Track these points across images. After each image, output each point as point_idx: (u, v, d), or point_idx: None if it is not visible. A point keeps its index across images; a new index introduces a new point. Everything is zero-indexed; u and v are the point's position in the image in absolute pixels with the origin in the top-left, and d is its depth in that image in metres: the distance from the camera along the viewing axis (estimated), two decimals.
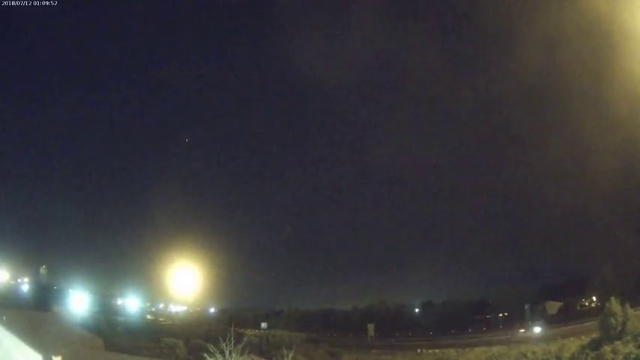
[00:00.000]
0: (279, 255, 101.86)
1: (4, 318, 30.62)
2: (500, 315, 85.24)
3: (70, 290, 70.61)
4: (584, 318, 62.39)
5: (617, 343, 36.87)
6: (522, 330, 71.80)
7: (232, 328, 29.45)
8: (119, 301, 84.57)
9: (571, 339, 48.38)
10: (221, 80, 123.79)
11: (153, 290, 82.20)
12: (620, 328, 38.79)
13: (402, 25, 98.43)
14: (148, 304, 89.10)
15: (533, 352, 45.27)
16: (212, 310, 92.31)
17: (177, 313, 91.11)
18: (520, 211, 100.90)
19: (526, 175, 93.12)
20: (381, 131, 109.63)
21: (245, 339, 30.51)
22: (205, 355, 28.51)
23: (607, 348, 36.28)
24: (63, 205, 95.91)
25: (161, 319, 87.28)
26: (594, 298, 74.72)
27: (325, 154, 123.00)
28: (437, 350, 63.06)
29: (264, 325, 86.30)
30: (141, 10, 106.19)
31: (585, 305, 76.54)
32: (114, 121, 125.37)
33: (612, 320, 39.35)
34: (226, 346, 27.34)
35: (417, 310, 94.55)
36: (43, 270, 78.04)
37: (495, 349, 52.08)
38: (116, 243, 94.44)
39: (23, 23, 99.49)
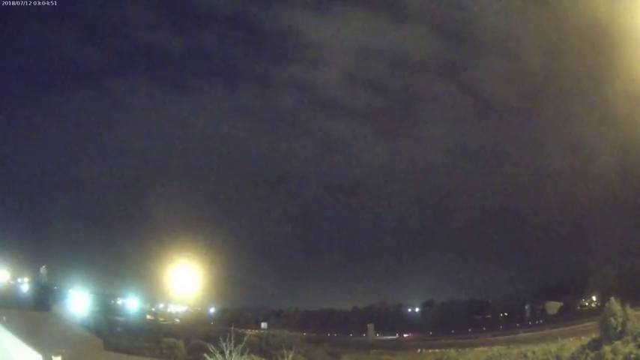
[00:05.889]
0: (279, 255, 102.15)
1: (4, 318, 30.54)
2: (501, 315, 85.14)
3: (70, 290, 70.41)
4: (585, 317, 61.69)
5: (617, 343, 36.75)
6: None
7: (232, 328, 29.33)
8: (119, 301, 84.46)
9: (571, 339, 48.24)
10: (221, 80, 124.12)
11: (153, 290, 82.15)
12: (620, 328, 38.66)
13: (400, 26, 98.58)
14: (148, 305, 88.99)
15: (534, 352, 45.13)
16: (212, 310, 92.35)
17: (177, 313, 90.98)
18: (520, 211, 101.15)
19: (526, 175, 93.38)
20: (381, 131, 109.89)
21: (245, 339, 30.36)
22: (205, 355, 28.43)
23: (607, 348, 36.15)
24: (63, 206, 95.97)
25: (161, 319, 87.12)
26: (594, 298, 74.64)
27: (325, 154, 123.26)
28: (437, 350, 62.90)
29: (264, 325, 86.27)
30: (141, 10, 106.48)
31: (585, 305, 76.44)
32: (114, 121, 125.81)
33: (612, 320, 39.20)
34: (226, 346, 27.27)
35: (417, 310, 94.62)
36: (43, 270, 77.81)
37: (495, 348, 51.86)
38: (116, 243, 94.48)
39: (23, 23, 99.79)
